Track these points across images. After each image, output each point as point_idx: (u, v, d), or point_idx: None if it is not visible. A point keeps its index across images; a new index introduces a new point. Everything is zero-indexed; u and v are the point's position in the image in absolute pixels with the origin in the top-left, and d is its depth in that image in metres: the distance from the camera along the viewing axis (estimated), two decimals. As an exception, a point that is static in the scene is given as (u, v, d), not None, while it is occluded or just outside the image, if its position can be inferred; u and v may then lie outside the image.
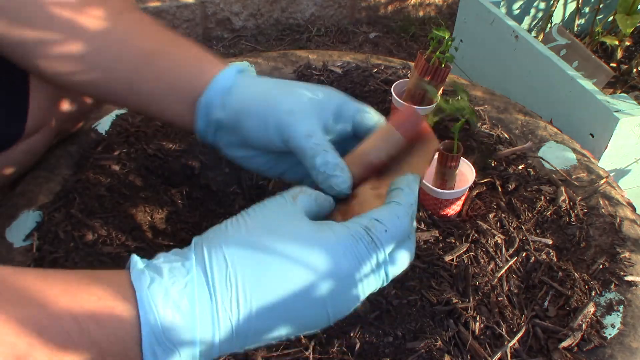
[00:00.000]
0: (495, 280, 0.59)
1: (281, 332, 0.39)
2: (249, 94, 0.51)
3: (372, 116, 0.51)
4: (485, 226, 0.65)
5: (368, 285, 0.41)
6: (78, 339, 0.34)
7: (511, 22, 1.15)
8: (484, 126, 0.81)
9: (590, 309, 0.57)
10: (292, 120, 0.48)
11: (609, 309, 0.57)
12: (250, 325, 0.38)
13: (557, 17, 1.43)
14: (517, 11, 1.38)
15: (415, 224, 0.45)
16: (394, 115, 0.51)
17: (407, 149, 0.49)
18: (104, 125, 0.77)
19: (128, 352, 0.35)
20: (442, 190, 0.64)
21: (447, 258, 0.60)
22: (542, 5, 1.40)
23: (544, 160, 0.76)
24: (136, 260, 0.38)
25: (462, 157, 0.64)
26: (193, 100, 0.53)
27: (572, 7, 1.42)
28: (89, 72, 0.54)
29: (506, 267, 0.61)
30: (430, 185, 0.64)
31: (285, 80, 0.54)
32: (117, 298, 0.36)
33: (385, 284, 0.42)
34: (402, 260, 0.43)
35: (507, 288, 0.59)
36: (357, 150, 0.50)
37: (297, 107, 0.49)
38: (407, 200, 0.44)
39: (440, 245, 0.62)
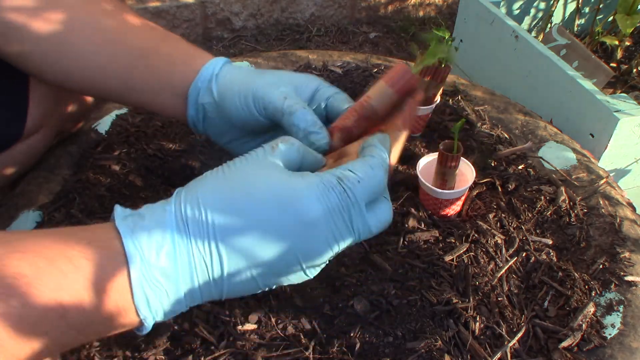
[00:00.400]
0: (495, 280, 0.59)
1: (253, 273, 0.40)
2: (232, 77, 0.54)
3: (345, 99, 0.54)
4: (485, 226, 0.65)
5: (340, 235, 0.42)
6: (74, 277, 0.36)
7: (511, 22, 1.15)
8: (484, 126, 0.81)
9: (590, 309, 0.57)
10: (269, 88, 0.51)
11: (609, 309, 0.57)
12: (222, 265, 0.39)
13: (557, 17, 1.43)
14: (517, 11, 1.38)
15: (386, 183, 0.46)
16: (387, 72, 0.52)
17: (398, 105, 0.52)
18: (104, 125, 0.77)
19: (122, 294, 0.37)
20: (442, 190, 0.64)
21: (447, 258, 0.60)
22: (542, 5, 1.40)
23: (544, 160, 0.76)
24: (119, 209, 0.41)
25: (462, 157, 0.64)
26: (185, 93, 0.55)
27: (572, 7, 1.42)
28: (85, 72, 0.56)
29: (506, 267, 0.61)
30: (430, 185, 0.64)
31: (269, 70, 0.56)
32: (105, 242, 0.38)
33: (362, 238, 0.43)
34: (380, 214, 0.44)
35: (507, 288, 0.59)
36: (350, 106, 0.52)
37: (274, 80, 0.52)
38: (380, 154, 0.45)
39: (440, 245, 0.62)
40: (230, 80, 0.54)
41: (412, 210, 0.65)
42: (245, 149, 0.56)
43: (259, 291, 0.43)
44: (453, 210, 0.67)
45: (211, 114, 0.55)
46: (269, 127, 0.54)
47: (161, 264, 0.38)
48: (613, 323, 0.56)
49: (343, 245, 0.43)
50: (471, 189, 0.70)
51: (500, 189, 0.71)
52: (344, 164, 0.44)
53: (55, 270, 0.36)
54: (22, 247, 0.36)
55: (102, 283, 0.37)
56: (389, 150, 0.47)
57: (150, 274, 0.38)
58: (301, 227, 0.40)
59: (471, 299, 0.57)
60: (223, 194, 0.40)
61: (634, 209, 0.70)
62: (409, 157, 0.75)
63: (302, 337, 0.53)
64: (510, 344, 0.53)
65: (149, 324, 0.39)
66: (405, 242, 0.62)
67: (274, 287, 0.43)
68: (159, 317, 0.40)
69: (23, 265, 0.35)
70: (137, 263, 0.37)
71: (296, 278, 0.43)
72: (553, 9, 1.39)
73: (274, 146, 0.44)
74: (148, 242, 0.38)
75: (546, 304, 0.58)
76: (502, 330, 0.54)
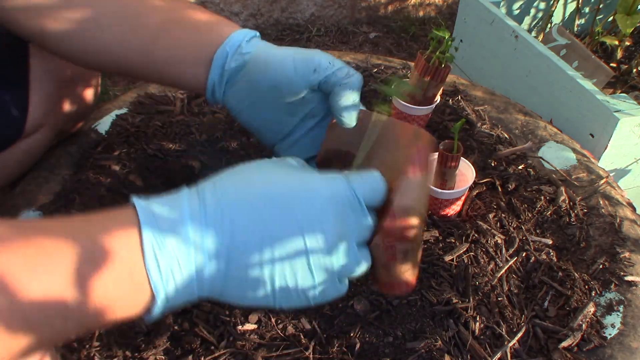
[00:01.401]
0: (495, 280, 0.59)
1: (261, 272, 0.40)
2: (265, 45, 0.55)
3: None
4: (485, 226, 0.65)
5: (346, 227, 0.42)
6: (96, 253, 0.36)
7: (511, 22, 1.15)
8: (484, 126, 0.81)
9: (590, 309, 0.57)
10: (315, 53, 0.53)
11: (609, 309, 0.57)
12: (231, 253, 0.39)
13: (557, 17, 1.43)
14: (517, 11, 1.38)
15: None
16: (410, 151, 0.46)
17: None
18: (104, 125, 0.77)
19: (132, 254, 0.37)
20: (442, 190, 0.64)
21: (447, 258, 0.60)
22: (542, 5, 1.40)
23: (544, 160, 0.76)
24: (135, 197, 0.41)
25: (462, 157, 0.64)
26: (209, 59, 0.54)
27: (572, 7, 1.42)
28: (105, 45, 0.55)
29: (506, 267, 0.61)
30: (430, 185, 0.64)
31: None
32: (120, 214, 0.39)
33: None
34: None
35: (507, 288, 0.59)
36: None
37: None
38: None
39: (440, 245, 0.62)
40: (265, 47, 0.54)
41: (412, 210, 0.65)
42: (259, 121, 0.56)
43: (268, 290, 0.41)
44: (453, 210, 0.67)
45: (238, 79, 0.55)
46: (302, 99, 0.54)
47: (174, 234, 0.38)
48: (613, 323, 0.56)
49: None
50: (471, 189, 0.70)
51: (500, 189, 0.71)
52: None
53: (55, 247, 0.35)
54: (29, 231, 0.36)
55: (110, 242, 0.37)
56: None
57: (162, 240, 0.37)
58: (317, 236, 0.40)
59: (471, 299, 0.57)
60: (237, 188, 0.41)
61: (634, 209, 0.70)
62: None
63: (302, 337, 0.53)
64: (510, 344, 0.53)
65: (159, 296, 0.38)
66: (405, 242, 0.62)
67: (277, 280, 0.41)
68: (170, 289, 0.38)
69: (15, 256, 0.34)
70: (149, 229, 0.37)
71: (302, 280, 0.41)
72: (553, 9, 1.39)
73: (297, 159, 0.46)
74: (161, 211, 0.39)
75: (546, 304, 0.58)
76: (502, 330, 0.54)
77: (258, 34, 0.56)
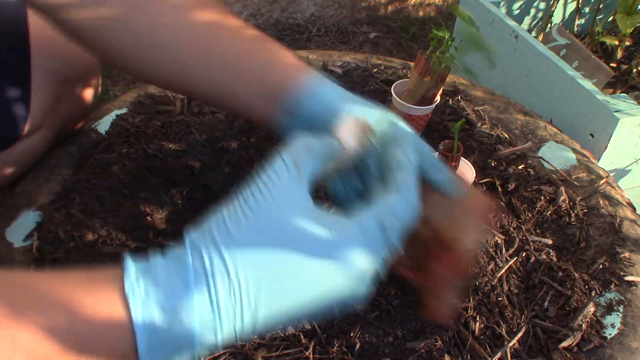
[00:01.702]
0: (495, 280, 0.59)
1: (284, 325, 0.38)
2: (339, 94, 0.51)
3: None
4: (485, 226, 0.65)
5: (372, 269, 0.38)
6: (92, 344, 0.33)
7: (511, 22, 1.15)
8: (484, 126, 0.81)
9: (590, 309, 0.57)
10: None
11: (609, 309, 0.57)
12: (255, 328, 0.36)
13: (557, 17, 1.43)
14: (517, 11, 1.38)
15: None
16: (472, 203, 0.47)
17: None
18: (104, 125, 0.77)
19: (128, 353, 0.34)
20: (442, 190, 0.64)
21: (447, 258, 0.60)
22: (542, 5, 1.40)
23: (544, 160, 0.76)
24: (129, 267, 0.34)
25: (462, 157, 0.64)
26: (278, 99, 0.51)
27: (572, 7, 1.42)
28: (174, 68, 0.52)
29: (506, 267, 0.61)
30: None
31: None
32: (111, 309, 0.33)
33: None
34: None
35: (507, 288, 0.59)
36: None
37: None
38: (411, 183, 0.41)
39: (440, 245, 0.62)
40: (334, 102, 0.49)
41: (412, 210, 0.65)
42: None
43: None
44: (453, 210, 0.67)
45: (304, 123, 0.50)
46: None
47: (175, 332, 0.34)
48: (613, 323, 0.56)
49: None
50: (471, 189, 0.70)
51: (500, 189, 0.71)
52: (380, 199, 0.39)
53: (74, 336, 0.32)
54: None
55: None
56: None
57: (158, 344, 0.33)
58: (342, 287, 0.37)
59: (471, 299, 0.57)
60: (254, 255, 0.35)
61: (634, 209, 0.70)
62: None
63: (302, 337, 0.53)
64: (510, 344, 0.53)
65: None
66: (405, 242, 0.62)
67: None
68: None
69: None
70: (145, 338, 0.33)
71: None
72: (553, 9, 1.39)
73: (298, 163, 0.38)
74: (161, 314, 0.33)
75: (546, 304, 0.58)
76: (502, 330, 0.54)
77: (328, 80, 0.53)
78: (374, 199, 0.40)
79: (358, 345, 0.52)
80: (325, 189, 0.46)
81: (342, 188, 0.47)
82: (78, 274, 0.36)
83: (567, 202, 0.70)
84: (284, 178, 0.37)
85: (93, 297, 0.34)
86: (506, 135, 0.80)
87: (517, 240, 0.64)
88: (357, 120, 0.43)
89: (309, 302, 0.36)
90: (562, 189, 0.71)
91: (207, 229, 0.37)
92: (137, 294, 0.33)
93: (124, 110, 0.79)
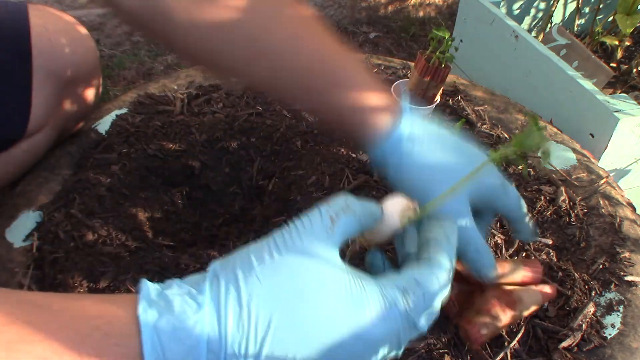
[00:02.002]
0: (495, 280, 0.59)
1: None
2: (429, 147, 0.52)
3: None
4: (485, 226, 0.65)
5: (385, 349, 0.38)
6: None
7: (511, 22, 1.15)
8: (484, 126, 0.81)
9: (590, 309, 0.57)
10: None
11: (609, 309, 0.57)
12: None
13: (557, 17, 1.43)
14: (517, 11, 1.38)
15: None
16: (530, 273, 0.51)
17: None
18: (104, 125, 0.77)
19: None
20: (442, 190, 0.64)
21: (447, 258, 0.60)
22: (542, 5, 1.40)
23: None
24: (147, 289, 0.35)
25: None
26: (359, 134, 0.52)
27: (572, 7, 1.42)
28: (271, 66, 0.52)
29: (506, 267, 0.61)
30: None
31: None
32: (122, 333, 0.34)
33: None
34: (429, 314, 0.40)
35: (507, 288, 0.59)
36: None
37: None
38: (445, 261, 0.41)
39: (440, 245, 0.62)
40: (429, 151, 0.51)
41: (412, 210, 0.65)
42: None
43: None
44: (453, 210, 0.67)
45: (396, 170, 0.51)
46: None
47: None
48: (613, 323, 0.56)
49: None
50: (471, 189, 0.70)
51: (500, 189, 0.71)
52: (409, 271, 0.39)
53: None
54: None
55: None
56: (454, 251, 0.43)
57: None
58: (352, 350, 0.36)
59: (471, 299, 0.57)
60: (270, 296, 0.35)
61: (634, 209, 0.70)
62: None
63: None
64: (511, 345, 0.53)
65: None
66: (405, 242, 0.62)
67: None
68: None
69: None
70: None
71: None
72: (553, 9, 1.39)
73: (334, 218, 0.39)
74: (170, 338, 0.34)
75: (546, 304, 0.58)
76: (502, 331, 0.54)
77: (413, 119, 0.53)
78: (403, 270, 0.40)
79: (358, 345, 0.52)
80: (365, 260, 0.47)
81: (380, 260, 0.46)
82: (93, 297, 0.36)
83: (567, 202, 0.70)
84: (316, 226, 0.38)
85: (106, 316, 0.34)
86: (506, 135, 0.80)
87: (517, 240, 0.64)
88: (404, 199, 0.44)
89: (314, 351, 0.35)
90: (562, 189, 0.71)
91: (231, 261, 0.37)
92: (150, 315, 0.34)
93: (124, 110, 0.79)
